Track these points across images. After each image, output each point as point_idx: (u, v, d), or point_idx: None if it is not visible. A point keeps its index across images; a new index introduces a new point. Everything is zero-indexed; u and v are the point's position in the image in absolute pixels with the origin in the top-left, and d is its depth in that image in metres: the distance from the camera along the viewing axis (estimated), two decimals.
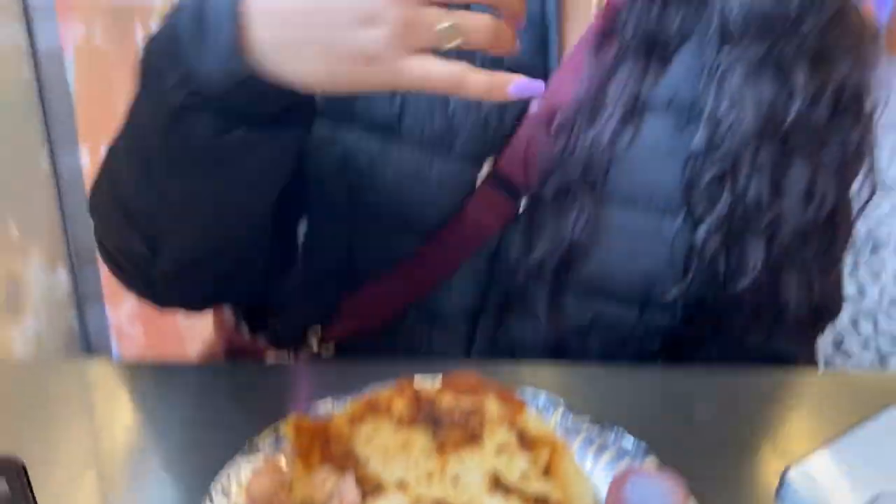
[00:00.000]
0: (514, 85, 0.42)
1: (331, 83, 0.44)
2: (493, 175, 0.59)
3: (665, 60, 0.59)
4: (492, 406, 0.45)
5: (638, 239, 0.59)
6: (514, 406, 0.45)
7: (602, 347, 0.62)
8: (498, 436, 0.43)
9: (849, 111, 0.60)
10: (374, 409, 0.44)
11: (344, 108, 0.58)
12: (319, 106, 0.52)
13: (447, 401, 0.45)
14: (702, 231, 0.58)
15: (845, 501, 0.39)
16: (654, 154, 0.59)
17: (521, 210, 0.60)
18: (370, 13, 0.40)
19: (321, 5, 0.42)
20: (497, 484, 0.39)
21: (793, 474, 0.40)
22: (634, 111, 0.58)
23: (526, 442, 0.42)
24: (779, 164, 0.58)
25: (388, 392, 0.46)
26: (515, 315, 0.61)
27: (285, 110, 0.47)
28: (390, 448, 0.41)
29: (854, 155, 0.61)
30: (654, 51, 0.59)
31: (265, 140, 0.48)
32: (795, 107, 0.57)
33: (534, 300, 0.60)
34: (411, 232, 0.61)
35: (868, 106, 0.61)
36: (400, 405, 0.44)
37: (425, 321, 0.62)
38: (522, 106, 0.59)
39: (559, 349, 0.61)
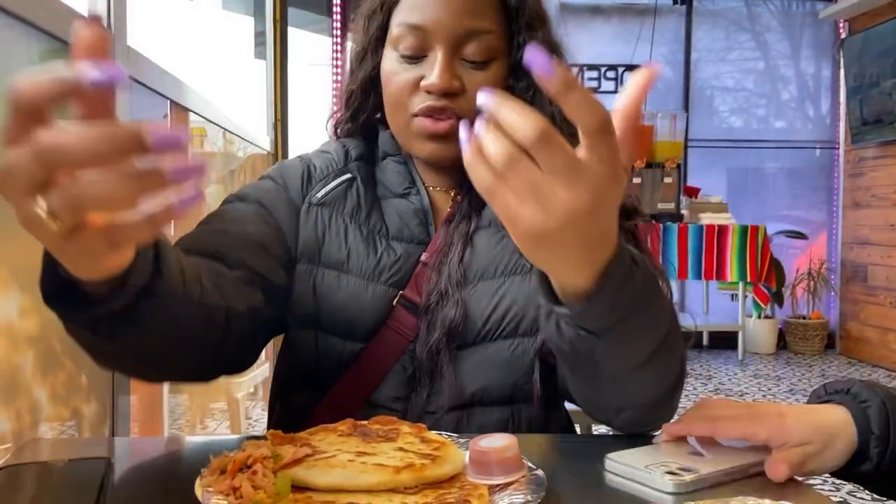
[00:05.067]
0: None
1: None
2: (402, 298, 0.88)
3: (480, 208, 0.93)
4: (405, 427, 0.67)
5: (494, 292, 0.87)
6: (419, 428, 0.67)
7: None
8: (407, 438, 0.65)
9: None
10: (325, 429, 0.67)
11: (313, 253, 0.88)
12: (289, 254, 0.85)
13: (375, 427, 0.67)
14: None
15: None
16: (487, 252, 0.90)
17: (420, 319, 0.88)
18: None
19: None
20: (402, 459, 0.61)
21: None
22: (466, 243, 0.92)
23: (425, 440, 0.64)
24: None
25: (335, 423, 0.68)
26: (430, 389, 0.86)
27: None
28: (334, 442, 0.63)
29: None
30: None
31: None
32: None
33: (440, 374, 0.85)
34: (356, 336, 0.87)
35: None
36: (342, 427, 0.67)
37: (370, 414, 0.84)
38: (418, 255, 0.90)
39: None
